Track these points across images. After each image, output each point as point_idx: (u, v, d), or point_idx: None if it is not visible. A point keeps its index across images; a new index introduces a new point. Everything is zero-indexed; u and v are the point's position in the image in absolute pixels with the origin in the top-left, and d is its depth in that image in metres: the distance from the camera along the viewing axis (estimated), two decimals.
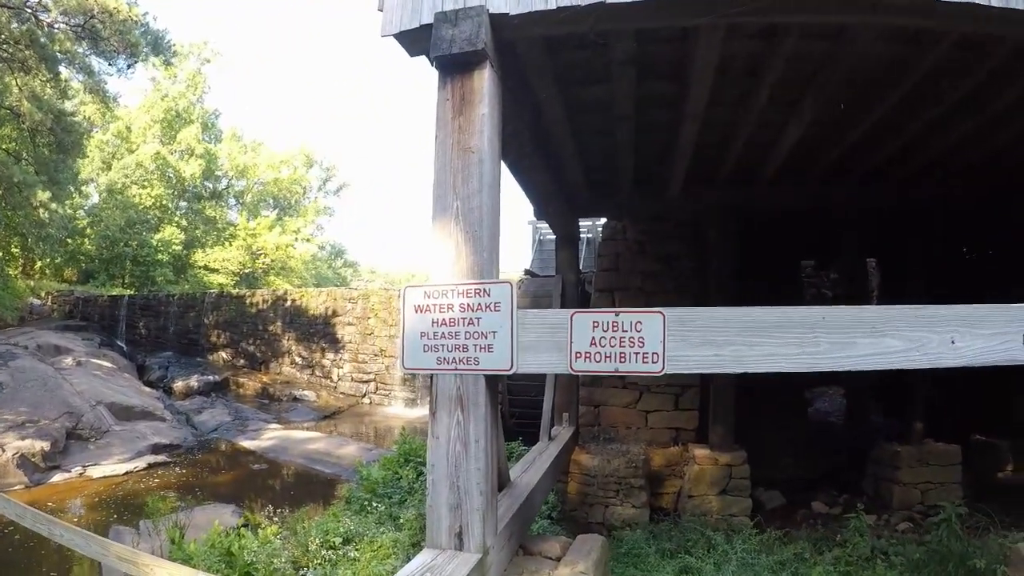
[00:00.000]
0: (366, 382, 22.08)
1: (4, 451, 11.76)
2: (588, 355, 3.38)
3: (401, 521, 6.04)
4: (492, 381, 3.58)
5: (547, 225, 14.13)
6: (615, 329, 3.37)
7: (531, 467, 5.77)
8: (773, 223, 9.23)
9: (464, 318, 3.45)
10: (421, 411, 18.89)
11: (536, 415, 7.77)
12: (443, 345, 3.48)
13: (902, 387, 8.93)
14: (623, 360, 3.36)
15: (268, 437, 16.45)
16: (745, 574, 5.39)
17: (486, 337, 3.41)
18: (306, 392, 22.14)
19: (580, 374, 3.48)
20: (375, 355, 21.93)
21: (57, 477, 12.02)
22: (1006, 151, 6.78)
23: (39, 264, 33.42)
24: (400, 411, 20.35)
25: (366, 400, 21.87)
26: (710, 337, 3.28)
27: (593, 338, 3.38)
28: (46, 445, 12.40)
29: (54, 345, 20.49)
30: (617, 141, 6.37)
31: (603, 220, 10.54)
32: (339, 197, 54.46)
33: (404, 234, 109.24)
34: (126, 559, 4.63)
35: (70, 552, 8.25)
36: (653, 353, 3.32)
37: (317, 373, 23.33)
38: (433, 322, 3.51)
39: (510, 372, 3.43)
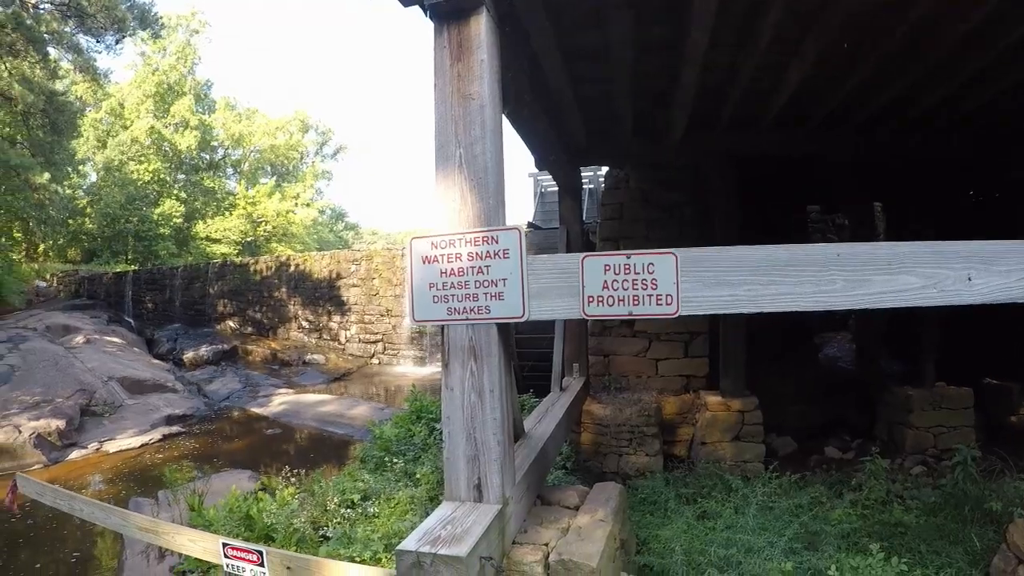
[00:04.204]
0: (374, 343, 22.17)
1: (20, 432, 11.85)
2: (600, 299, 3.32)
3: (418, 476, 6.05)
4: (504, 329, 3.54)
5: (549, 177, 13.99)
6: (627, 272, 3.31)
7: (544, 418, 5.75)
8: (778, 167, 9.10)
9: (473, 267, 3.39)
10: (430, 369, 19.01)
11: (546, 367, 7.74)
12: (453, 295, 3.43)
13: (912, 330, 8.86)
14: (636, 303, 3.31)
15: (280, 402, 16.58)
16: (764, 517, 5.37)
17: (496, 285, 3.36)
18: (315, 356, 22.25)
19: (593, 318, 3.43)
20: (381, 315, 21.98)
21: (74, 454, 12.12)
22: (1002, 99, 6.67)
23: (42, 247, 33.58)
24: (409, 370, 20.40)
25: (375, 360, 21.96)
26: (724, 277, 3.22)
27: (605, 281, 3.32)
28: (61, 423, 12.50)
29: (63, 325, 20.62)
30: (616, 88, 6.24)
31: (605, 169, 10.43)
32: (337, 160, 54.39)
33: (404, 194, 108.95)
34: (147, 529, 4.66)
35: (92, 527, 8.32)
36: (667, 295, 3.27)
37: (325, 336, 23.42)
38: (441, 272, 3.46)
39: (522, 319, 3.37)
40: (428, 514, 3.56)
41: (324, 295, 23.47)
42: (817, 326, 12.31)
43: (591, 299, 3.33)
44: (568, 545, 3.61)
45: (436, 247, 3.47)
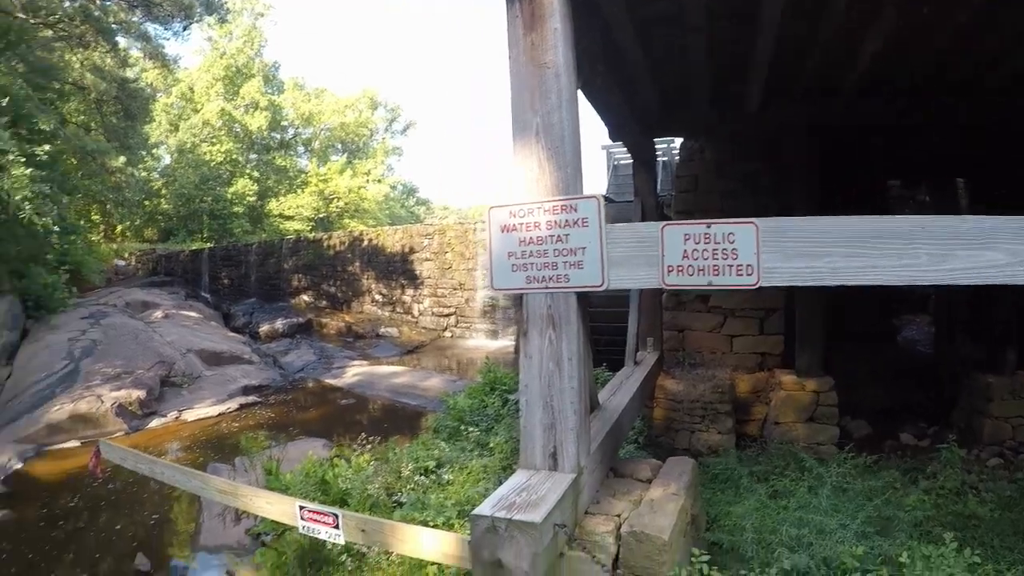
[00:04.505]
0: (446, 316, 22.32)
1: (103, 402, 12.35)
2: (680, 268, 3.29)
3: (491, 446, 6.09)
4: (583, 298, 3.54)
5: (621, 150, 13.85)
6: (707, 241, 3.27)
7: (619, 391, 5.72)
8: (857, 138, 8.79)
9: (552, 235, 3.40)
10: (502, 342, 19.08)
11: (620, 342, 7.67)
12: (532, 264, 3.45)
13: (994, 314, 8.46)
14: (716, 273, 3.27)
15: (353, 374, 16.90)
16: (838, 499, 5.26)
17: (575, 254, 3.36)
18: (388, 329, 22.62)
19: (673, 288, 3.39)
20: (454, 289, 22.09)
21: (154, 422, 12.60)
22: None
23: (120, 227, 34.79)
24: (481, 343, 20.48)
25: (447, 334, 22.12)
26: (805, 248, 3.14)
27: (685, 251, 3.29)
28: (142, 393, 13.02)
29: (142, 301, 21.37)
30: (690, 58, 6.10)
31: (679, 142, 10.27)
32: (406, 136, 54.76)
33: (475, 170, 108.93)
34: (226, 491, 4.81)
35: (170, 492, 8.65)
36: (747, 265, 3.22)
37: (398, 310, 23.73)
38: (520, 241, 3.47)
39: (601, 288, 3.37)
40: (501, 483, 3.60)
41: (397, 269, 23.71)
42: (896, 307, 11.94)
43: (671, 268, 3.30)
44: (640, 517, 3.61)
45: (515, 216, 3.48)
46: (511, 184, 3.57)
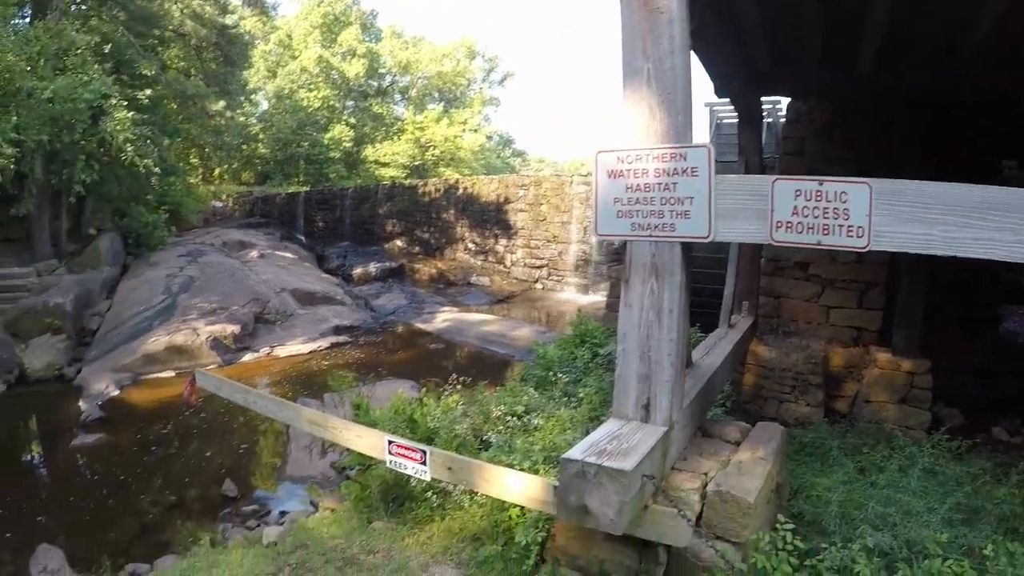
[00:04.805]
0: (539, 268, 22.28)
1: (198, 335, 12.99)
2: (789, 225, 3.20)
3: (580, 395, 6.07)
4: (687, 250, 3.48)
5: (726, 109, 13.49)
6: (818, 199, 3.18)
7: (711, 351, 5.66)
8: (972, 112, 8.28)
9: (660, 183, 3.34)
10: (594, 297, 18.98)
11: (711, 304, 7.57)
12: (638, 211, 3.40)
13: None
14: (826, 232, 3.17)
15: (443, 319, 17.18)
16: (928, 482, 5.08)
17: (682, 203, 3.30)
18: (480, 277, 22.88)
19: (780, 244, 3.29)
20: (547, 241, 22.00)
21: (247, 357, 13.18)
22: None
23: (218, 170, 36.01)
24: (572, 296, 20.35)
25: (538, 285, 22.14)
26: (919, 214, 3.01)
27: (795, 207, 3.19)
28: (236, 328, 13.61)
29: (238, 241, 22.21)
30: (802, 11, 5.83)
31: (784, 102, 9.92)
32: (504, 87, 54.45)
33: (572, 124, 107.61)
34: (317, 423, 4.99)
35: (257, 425, 9.06)
36: (858, 227, 3.11)
37: (490, 259, 23.84)
38: (627, 187, 3.43)
39: (707, 240, 3.31)
40: (588, 432, 3.62)
41: (491, 218, 23.77)
42: (1000, 293, 11.35)
43: (779, 224, 3.21)
44: (727, 478, 3.59)
45: (622, 162, 3.43)
46: (622, 128, 3.51)
